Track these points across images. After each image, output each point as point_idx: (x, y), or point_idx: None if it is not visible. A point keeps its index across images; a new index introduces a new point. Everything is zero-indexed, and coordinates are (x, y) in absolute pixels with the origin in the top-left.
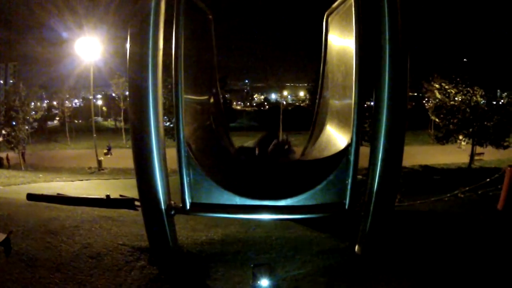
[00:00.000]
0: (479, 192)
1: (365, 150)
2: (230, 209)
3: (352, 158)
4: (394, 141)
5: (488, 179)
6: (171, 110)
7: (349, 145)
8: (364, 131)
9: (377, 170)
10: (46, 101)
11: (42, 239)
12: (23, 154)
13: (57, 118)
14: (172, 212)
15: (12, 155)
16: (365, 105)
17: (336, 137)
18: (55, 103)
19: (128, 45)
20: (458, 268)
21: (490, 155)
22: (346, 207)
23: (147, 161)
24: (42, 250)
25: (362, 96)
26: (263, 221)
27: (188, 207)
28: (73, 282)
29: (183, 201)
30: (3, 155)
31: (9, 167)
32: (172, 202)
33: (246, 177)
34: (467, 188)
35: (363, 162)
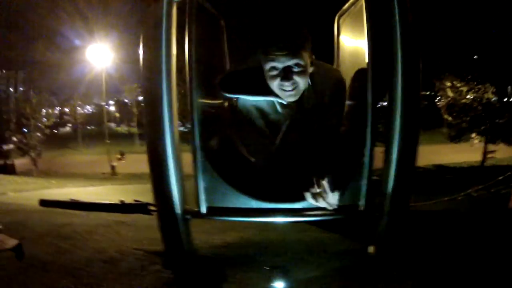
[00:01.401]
0: (492, 191)
1: (379, 151)
2: (246, 212)
3: (367, 159)
4: (408, 141)
5: (500, 177)
6: (183, 114)
7: (364, 146)
8: (378, 131)
9: (392, 170)
10: (57, 108)
11: (55, 244)
12: (34, 161)
13: (69, 125)
14: (188, 217)
15: (22, 161)
16: (378, 106)
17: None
18: (67, 110)
19: (140, 51)
20: (473, 269)
21: (502, 153)
22: (361, 208)
23: (162, 166)
24: (55, 255)
25: (376, 96)
26: (278, 224)
27: (203, 211)
28: (87, 287)
29: (199, 205)
30: (15, 162)
31: (14, 173)
32: (188, 207)
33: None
34: (480, 187)
35: (377, 162)
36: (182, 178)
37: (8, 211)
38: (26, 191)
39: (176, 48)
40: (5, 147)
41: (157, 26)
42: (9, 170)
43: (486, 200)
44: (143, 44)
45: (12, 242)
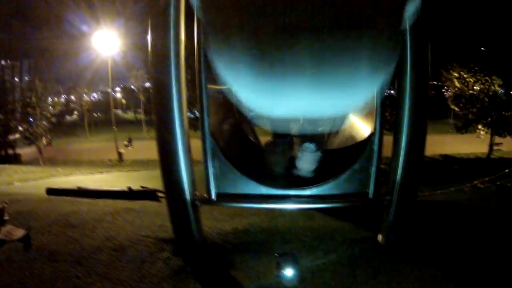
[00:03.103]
0: (498, 183)
1: (387, 139)
2: (255, 199)
3: (375, 147)
4: (416, 130)
5: (506, 170)
6: (191, 100)
7: (372, 135)
8: (385, 120)
9: (400, 159)
10: (63, 96)
11: (63, 233)
12: (40, 149)
13: (75, 112)
14: (197, 203)
15: (29, 151)
16: (386, 94)
17: (359, 126)
18: (73, 97)
19: (149, 37)
20: (480, 257)
21: (508, 145)
22: (370, 196)
23: (171, 153)
24: (63, 244)
25: (385, 85)
26: (287, 211)
27: (213, 198)
28: (96, 275)
29: (208, 191)
30: (21, 151)
31: (20, 163)
32: (197, 193)
33: (271, 166)
34: (486, 179)
35: (385, 151)
36: (191, 164)
37: (15, 201)
38: (33, 180)
39: (185, 34)
40: (11, 137)
41: (166, 11)
42: (15, 159)
43: (492, 192)
44: (151, 30)
45: (19, 233)
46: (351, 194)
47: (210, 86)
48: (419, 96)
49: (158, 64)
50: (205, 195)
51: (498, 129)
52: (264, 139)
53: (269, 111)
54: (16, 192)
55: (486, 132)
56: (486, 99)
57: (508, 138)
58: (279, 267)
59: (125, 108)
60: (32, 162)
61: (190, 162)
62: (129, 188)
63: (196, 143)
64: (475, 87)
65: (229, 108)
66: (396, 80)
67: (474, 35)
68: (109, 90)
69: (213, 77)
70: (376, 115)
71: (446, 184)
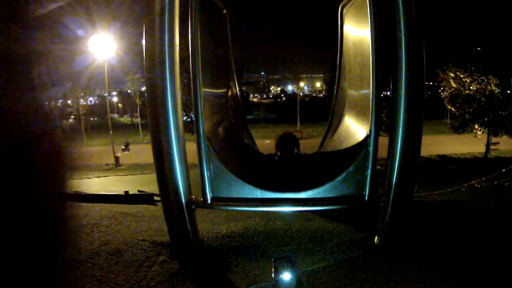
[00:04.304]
0: (495, 183)
1: (382, 141)
2: (251, 202)
3: (371, 149)
4: (412, 131)
5: (503, 169)
6: (187, 104)
7: (368, 136)
8: (381, 121)
9: (396, 160)
10: (60, 100)
11: (59, 238)
12: None
13: (72, 117)
14: (193, 206)
15: None
16: (382, 95)
17: (354, 128)
18: (69, 102)
19: (143, 42)
20: (479, 257)
21: (505, 145)
22: (366, 198)
23: (167, 156)
24: (60, 248)
25: (380, 86)
26: (283, 213)
27: (209, 201)
28: (93, 279)
29: (204, 195)
30: None
31: None
32: (193, 196)
33: (267, 170)
34: (483, 179)
35: (381, 152)
36: (186, 168)
37: None
38: None
39: (179, 38)
40: None
41: (160, 15)
42: None
43: (490, 191)
44: (146, 34)
45: None
46: (347, 196)
47: (205, 89)
48: (414, 97)
49: (153, 67)
50: (201, 198)
51: (494, 128)
52: (260, 142)
53: None
54: None
55: (483, 132)
56: (483, 99)
57: (505, 137)
58: (276, 271)
59: (122, 112)
60: None
61: (186, 165)
62: (126, 192)
63: (192, 146)
64: (471, 87)
65: (224, 111)
66: (391, 81)
67: (470, 34)
68: (106, 94)
69: (208, 80)
70: (371, 116)
71: (443, 185)
